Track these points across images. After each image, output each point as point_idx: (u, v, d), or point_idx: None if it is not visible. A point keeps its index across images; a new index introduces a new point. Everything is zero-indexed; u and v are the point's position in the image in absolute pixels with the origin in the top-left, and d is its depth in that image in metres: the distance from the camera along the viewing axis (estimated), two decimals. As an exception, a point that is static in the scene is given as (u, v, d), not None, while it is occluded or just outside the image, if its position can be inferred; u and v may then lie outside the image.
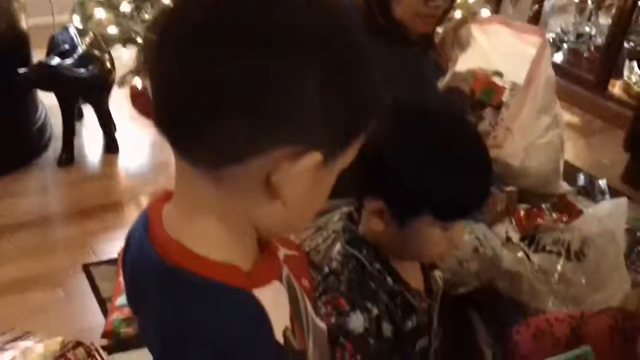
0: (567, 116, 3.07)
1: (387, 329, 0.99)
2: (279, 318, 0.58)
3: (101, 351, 1.42)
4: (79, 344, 1.40)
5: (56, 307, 1.75)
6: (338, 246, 1.05)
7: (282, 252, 0.67)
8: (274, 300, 0.58)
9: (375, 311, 0.96)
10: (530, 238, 1.91)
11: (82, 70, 2.29)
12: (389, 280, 0.99)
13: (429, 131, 0.93)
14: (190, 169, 0.57)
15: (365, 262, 0.99)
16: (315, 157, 0.54)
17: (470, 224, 1.92)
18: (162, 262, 0.58)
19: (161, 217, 0.61)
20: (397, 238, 0.96)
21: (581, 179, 2.42)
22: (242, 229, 0.60)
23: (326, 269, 1.02)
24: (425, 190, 0.91)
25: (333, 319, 0.93)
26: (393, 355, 1.03)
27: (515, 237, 1.93)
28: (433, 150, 0.91)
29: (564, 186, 2.34)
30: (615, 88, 3.13)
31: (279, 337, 0.57)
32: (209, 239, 0.58)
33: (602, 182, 2.41)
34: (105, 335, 1.60)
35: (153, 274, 0.59)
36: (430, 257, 1.03)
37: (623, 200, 1.88)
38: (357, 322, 0.93)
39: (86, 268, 1.86)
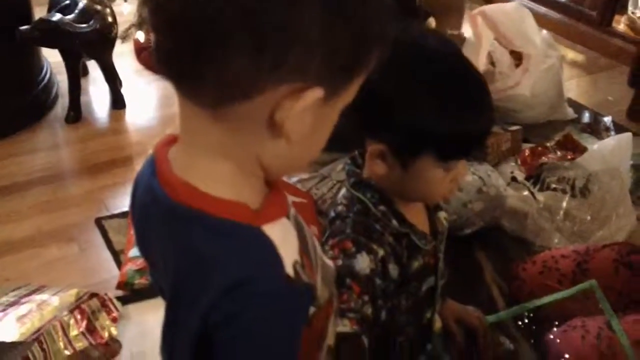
0: (571, 54, 3.04)
1: (393, 269, 1.01)
2: (288, 253, 0.59)
3: (115, 301, 1.46)
4: (93, 295, 1.44)
5: (71, 261, 1.79)
6: (343, 190, 1.06)
7: (291, 199, 0.68)
8: (282, 236, 0.60)
9: (381, 252, 0.98)
10: (536, 177, 1.92)
11: (84, 25, 2.27)
12: (394, 222, 1.01)
13: (427, 67, 0.93)
14: (195, 110, 0.57)
15: (370, 204, 1.01)
16: (317, 93, 0.55)
17: (475, 164, 1.93)
18: (171, 202, 0.59)
19: (168, 159, 0.62)
20: (401, 180, 0.97)
21: (586, 117, 2.42)
22: (249, 168, 0.60)
23: (332, 213, 1.04)
24: (425, 128, 0.91)
25: (340, 261, 0.95)
26: (400, 296, 1.05)
27: (520, 176, 1.95)
28: (431, 87, 0.91)
29: (570, 112, 2.36)
30: (620, 24, 3.08)
31: (289, 270, 0.58)
32: (216, 178, 0.59)
33: (607, 119, 2.41)
34: (119, 286, 1.63)
35: (162, 213, 0.61)
36: (434, 198, 1.04)
37: (627, 136, 1.89)
38: (363, 263, 0.95)
39: (99, 222, 1.89)
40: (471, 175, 1.80)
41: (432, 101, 0.91)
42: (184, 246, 0.59)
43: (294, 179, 1.86)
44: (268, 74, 0.53)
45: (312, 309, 0.63)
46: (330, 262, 0.71)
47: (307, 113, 0.56)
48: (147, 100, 2.64)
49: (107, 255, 1.80)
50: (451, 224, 1.76)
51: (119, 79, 2.59)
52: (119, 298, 1.57)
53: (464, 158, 0.97)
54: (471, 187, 1.77)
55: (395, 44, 0.92)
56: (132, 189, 0.69)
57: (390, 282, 1.02)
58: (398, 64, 0.92)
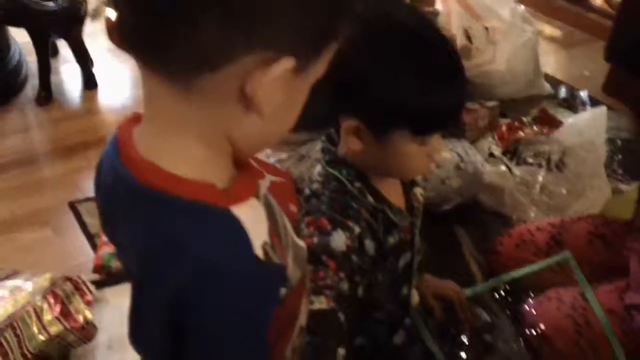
0: (548, 29, 3.04)
1: (369, 246, 1.01)
2: (257, 234, 0.58)
3: (89, 284, 1.44)
4: (67, 278, 1.42)
5: (45, 246, 1.76)
6: (318, 167, 1.05)
7: (268, 178, 0.66)
8: (251, 217, 0.58)
9: (357, 229, 0.97)
10: (512, 152, 1.93)
11: (51, 3, 2.22)
12: (370, 198, 1.00)
13: (400, 41, 0.91)
14: (161, 86, 0.55)
15: (345, 181, 1.00)
16: (287, 63, 0.54)
17: (452, 141, 1.93)
18: (136, 183, 0.57)
19: (132, 138, 0.60)
20: (376, 156, 0.96)
21: (562, 92, 2.42)
22: (217, 147, 0.59)
23: (307, 191, 1.03)
24: (398, 102, 0.90)
25: (315, 239, 0.94)
26: (376, 272, 1.05)
27: (497, 151, 1.95)
28: (404, 60, 0.90)
29: (547, 87, 2.38)
30: (596, -2, 3.09)
31: (259, 252, 0.57)
32: (183, 157, 0.58)
33: (584, 94, 2.43)
34: (96, 270, 1.61)
35: (128, 195, 0.59)
36: (411, 174, 1.03)
37: (602, 109, 1.90)
38: (339, 240, 0.95)
39: (72, 205, 1.86)
40: (449, 152, 1.80)
41: (405, 74, 0.90)
42: (150, 228, 0.57)
43: (272, 159, 1.85)
44: (237, 42, 0.52)
45: (283, 290, 0.62)
46: (302, 243, 0.70)
47: (278, 85, 0.55)
48: (120, 79, 2.60)
49: (82, 238, 1.77)
50: (429, 200, 1.77)
51: (91, 58, 2.55)
52: (95, 282, 1.55)
53: (438, 132, 0.96)
54: (449, 164, 1.78)
55: (369, 17, 0.91)
56: (96, 169, 0.67)
57: (367, 259, 1.01)
58: (371, 37, 0.91)
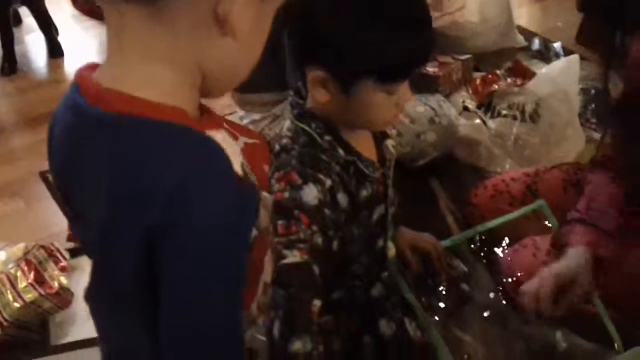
0: (521, -21, 3.02)
1: (342, 199, 1.00)
2: (233, 155, 0.58)
3: (62, 250, 1.42)
4: (40, 246, 1.40)
5: (18, 217, 1.74)
6: (287, 122, 1.04)
7: (242, 140, 0.66)
8: (226, 143, 0.58)
9: (328, 182, 0.97)
10: (487, 104, 1.92)
11: (11, -30, 2.16)
12: (341, 151, 0.99)
13: None
14: (129, 13, 0.54)
15: (315, 135, 0.99)
16: None
17: (426, 95, 1.92)
18: (105, 114, 0.55)
19: (92, 77, 0.58)
20: (344, 107, 0.95)
21: (536, 44, 2.42)
22: (188, 76, 0.58)
23: (277, 147, 1.01)
24: (362, 50, 0.88)
25: (287, 194, 0.94)
26: (351, 225, 1.05)
27: (472, 105, 1.95)
28: (365, 7, 0.88)
29: (520, 40, 2.37)
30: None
31: (238, 169, 0.57)
32: (153, 84, 0.56)
33: (557, 45, 2.42)
34: (70, 238, 1.58)
35: (95, 130, 0.56)
36: (379, 124, 1.02)
37: (574, 58, 1.89)
38: (310, 194, 0.94)
39: (44, 175, 1.83)
40: (423, 106, 1.79)
41: (368, 22, 0.88)
42: (124, 156, 0.54)
43: (245, 120, 1.83)
44: None
45: (255, 231, 0.62)
46: (267, 194, 0.69)
47: (250, 7, 0.56)
48: (85, 47, 2.54)
49: (55, 208, 1.75)
50: (405, 155, 1.77)
51: (55, 26, 2.48)
52: (70, 250, 1.53)
53: (405, 80, 0.95)
54: (423, 118, 1.77)
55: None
56: (48, 130, 0.64)
57: (340, 212, 1.01)
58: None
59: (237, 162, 0.58)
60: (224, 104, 1.91)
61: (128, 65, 0.56)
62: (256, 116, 1.83)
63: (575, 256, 1.14)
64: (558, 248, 1.21)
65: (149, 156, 0.54)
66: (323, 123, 0.99)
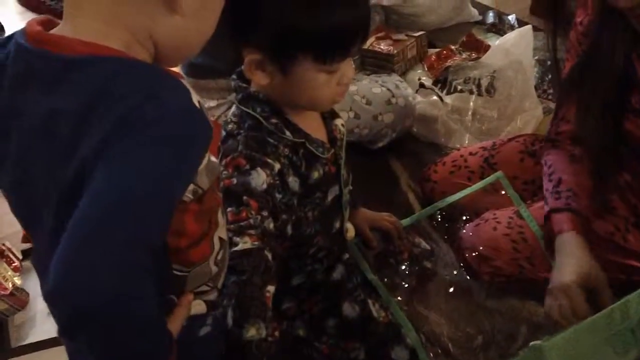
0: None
1: (293, 181, 0.98)
2: (192, 93, 0.61)
3: (15, 251, 1.39)
4: (-8, 246, 1.37)
5: (-29, 219, 1.68)
6: (233, 108, 1.01)
7: None
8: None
9: (277, 166, 0.95)
10: (443, 80, 1.92)
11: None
12: (288, 133, 0.97)
13: None
14: None
15: (260, 118, 0.96)
16: None
17: (383, 76, 1.91)
18: (63, 56, 0.57)
19: (44, 32, 0.60)
20: (285, 88, 0.93)
21: (490, 17, 2.41)
22: (142, 42, 0.61)
23: (223, 133, 0.99)
24: (295, 26, 0.86)
25: (235, 180, 0.91)
26: (305, 207, 1.03)
27: (428, 81, 1.94)
28: None
29: (474, 14, 2.36)
30: None
31: (195, 102, 0.59)
32: (114, 39, 0.59)
33: (512, 17, 2.42)
34: (25, 239, 1.55)
35: (50, 76, 0.58)
36: (323, 103, 0.98)
37: (527, 28, 1.89)
38: (258, 179, 0.92)
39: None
40: (380, 87, 1.78)
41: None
42: (89, 91, 0.56)
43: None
44: None
45: (199, 190, 0.65)
46: (213, 158, 0.69)
47: None
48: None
49: (7, 209, 1.69)
50: (364, 137, 1.76)
51: (1, 24, 2.41)
52: (24, 251, 1.49)
53: (344, 58, 0.92)
54: (380, 99, 1.75)
55: None
56: None
57: (292, 195, 0.99)
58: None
59: (195, 97, 0.60)
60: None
61: (84, 25, 0.59)
62: (212, 103, 1.79)
63: (575, 254, 1.09)
64: (547, 242, 1.18)
65: (117, 83, 0.56)
66: (268, 106, 0.97)
